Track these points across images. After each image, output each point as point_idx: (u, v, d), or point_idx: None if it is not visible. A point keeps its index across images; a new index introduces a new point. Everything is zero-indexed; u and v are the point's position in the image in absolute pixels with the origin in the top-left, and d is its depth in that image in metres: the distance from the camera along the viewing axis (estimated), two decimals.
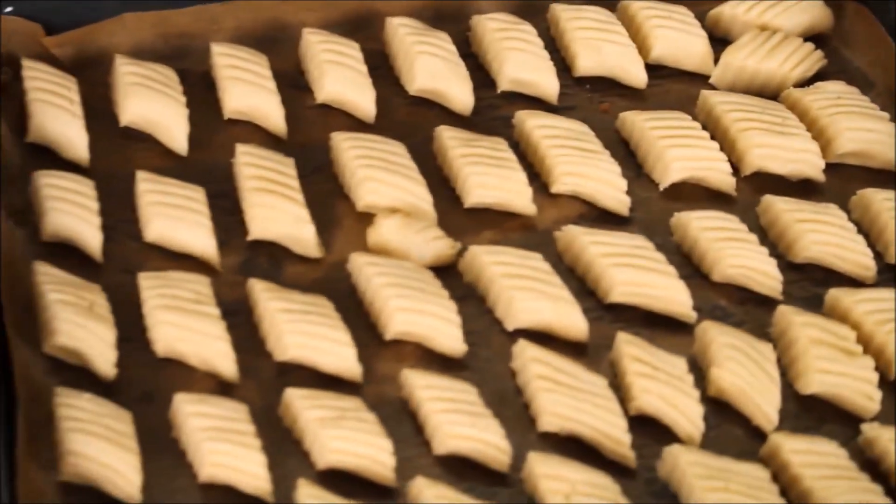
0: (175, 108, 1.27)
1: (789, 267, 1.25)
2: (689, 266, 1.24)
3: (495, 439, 1.09)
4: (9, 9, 1.30)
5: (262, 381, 1.14)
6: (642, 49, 1.38)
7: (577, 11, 1.38)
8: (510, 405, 1.13)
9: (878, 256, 1.26)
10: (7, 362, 1.09)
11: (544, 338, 1.17)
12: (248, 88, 1.30)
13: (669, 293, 1.20)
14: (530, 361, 1.13)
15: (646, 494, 1.09)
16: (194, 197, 1.22)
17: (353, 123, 1.32)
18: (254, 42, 1.35)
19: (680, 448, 1.09)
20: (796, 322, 1.17)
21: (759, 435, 1.13)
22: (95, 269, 1.19)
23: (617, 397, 1.13)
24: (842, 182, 1.31)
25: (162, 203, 1.20)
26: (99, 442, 1.05)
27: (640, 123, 1.30)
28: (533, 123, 1.30)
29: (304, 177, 1.26)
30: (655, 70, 1.38)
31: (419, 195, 1.24)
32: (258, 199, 1.21)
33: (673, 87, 1.38)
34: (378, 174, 1.24)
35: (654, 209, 1.28)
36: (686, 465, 1.07)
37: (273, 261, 1.22)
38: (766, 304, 1.22)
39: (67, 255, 1.19)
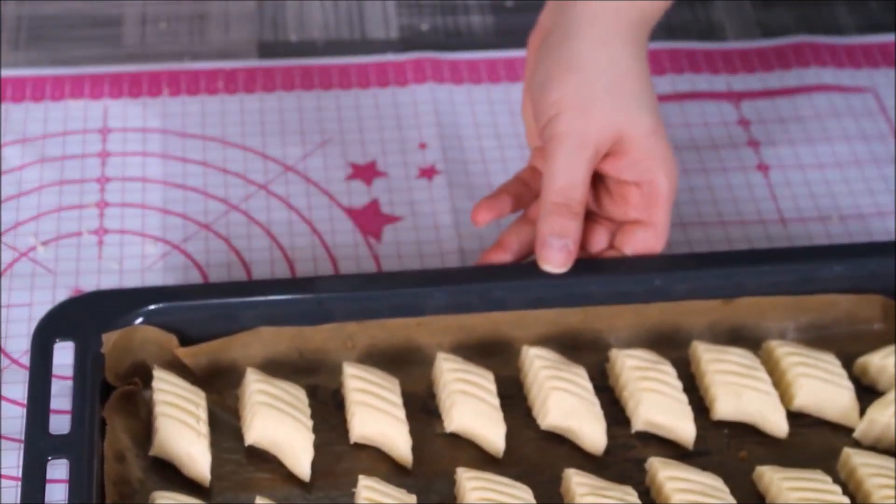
0: (301, 434, 1.25)
1: None
2: None
3: None
4: (139, 321, 1.29)
5: None
6: (785, 396, 1.33)
7: (719, 353, 1.33)
8: None
9: None
10: None
11: None
12: (376, 416, 1.27)
13: None
14: None
15: None
16: None
17: (481, 455, 1.28)
18: (386, 361, 1.33)
19: None
20: None
21: None
22: None
23: None
24: None
25: None
26: None
27: (778, 483, 1.24)
28: (665, 475, 1.24)
29: None
30: (797, 417, 1.33)
31: None
32: None
33: (815, 437, 1.32)
34: None
35: None
36: None
37: None
38: None
39: None
